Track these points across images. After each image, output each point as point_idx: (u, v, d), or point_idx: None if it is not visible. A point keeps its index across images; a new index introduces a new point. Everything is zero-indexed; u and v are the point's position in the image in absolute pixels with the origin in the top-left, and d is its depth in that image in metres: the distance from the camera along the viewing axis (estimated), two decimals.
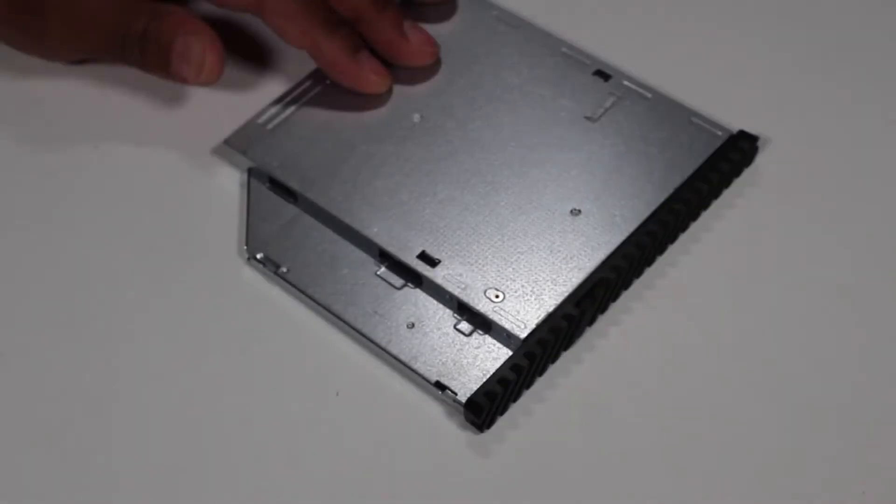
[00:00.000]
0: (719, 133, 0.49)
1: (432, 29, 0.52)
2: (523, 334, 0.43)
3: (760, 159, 0.50)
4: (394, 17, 0.51)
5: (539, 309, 0.44)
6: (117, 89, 0.53)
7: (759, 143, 0.49)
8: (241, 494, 0.42)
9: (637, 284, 0.46)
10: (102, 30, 0.50)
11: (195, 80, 0.49)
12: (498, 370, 0.43)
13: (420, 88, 0.51)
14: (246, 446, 0.43)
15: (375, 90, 0.50)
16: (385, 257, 0.46)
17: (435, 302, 0.45)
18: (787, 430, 0.43)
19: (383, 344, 0.44)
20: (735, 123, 0.49)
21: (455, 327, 0.45)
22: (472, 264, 0.45)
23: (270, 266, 0.47)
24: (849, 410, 0.43)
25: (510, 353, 0.44)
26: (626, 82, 0.51)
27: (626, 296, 0.46)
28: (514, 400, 0.44)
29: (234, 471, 0.43)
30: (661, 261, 0.47)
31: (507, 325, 0.44)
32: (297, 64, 0.52)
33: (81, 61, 0.53)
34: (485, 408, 0.42)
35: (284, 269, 0.47)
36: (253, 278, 0.47)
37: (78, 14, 0.49)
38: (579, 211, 0.47)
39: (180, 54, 0.49)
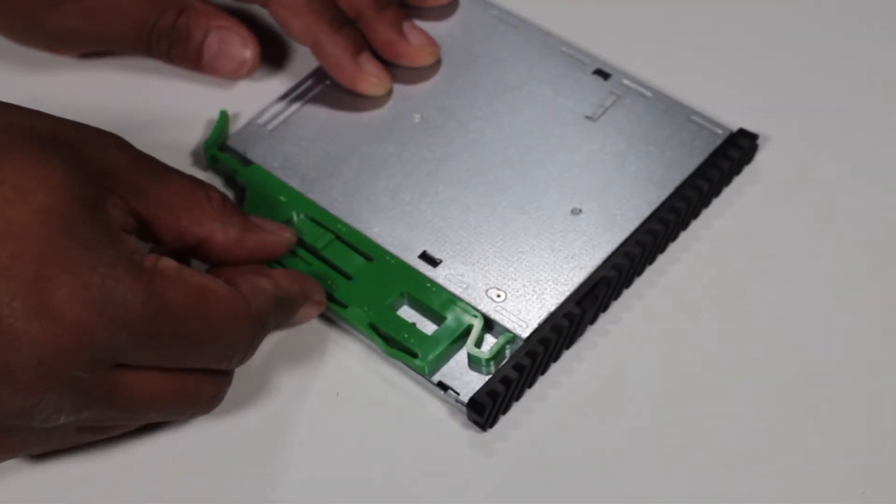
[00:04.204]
0: (719, 131, 0.49)
1: (432, 29, 0.52)
2: (525, 333, 0.44)
3: (760, 157, 0.50)
4: (393, 16, 0.51)
5: (541, 308, 0.44)
6: (116, 90, 0.53)
7: (759, 141, 0.49)
8: (243, 495, 0.42)
9: (638, 282, 0.46)
10: (127, 23, 0.51)
11: (233, 76, 0.52)
12: (500, 369, 0.43)
13: (420, 89, 0.51)
14: (250, 448, 0.43)
15: (373, 92, 0.50)
16: None
17: None
18: (787, 430, 0.43)
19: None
20: (735, 122, 0.49)
21: None
22: (473, 264, 0.46)
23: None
24: (849, 410, 0.43)
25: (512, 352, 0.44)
26: (625, 81, 0.51)
27: (627, 294, 0.46)
28: (517, 399, 0.44)
29: (238, 472, 0.43)
30: (662, 259, 0.47)
31: (509, 325, 0.44)
32: (297, 65, 0.53)
33: (88, 54, 0.53)
34: (487, 407, 0.42)
35: None
36: None
37: (100, 6, 0.50)
38: (580, 210, 0.47)
39: (216, 50, 0.51)
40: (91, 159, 0.39)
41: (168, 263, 0.38)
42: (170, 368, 0.39)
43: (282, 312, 0.43)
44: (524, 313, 0.44)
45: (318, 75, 0.51)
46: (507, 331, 0.44)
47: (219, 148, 0.49)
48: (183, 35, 0.51)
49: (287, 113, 0.50)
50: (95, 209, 0.38)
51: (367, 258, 0.46)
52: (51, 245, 0.36)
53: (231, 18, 0.51)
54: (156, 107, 0.52)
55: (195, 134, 0.51)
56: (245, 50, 0.51)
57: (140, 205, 0.41)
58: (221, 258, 0.43)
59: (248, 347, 0.41)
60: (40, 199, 0.36)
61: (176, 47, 0.51)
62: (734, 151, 0.48)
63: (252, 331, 0.40)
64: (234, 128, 0.50)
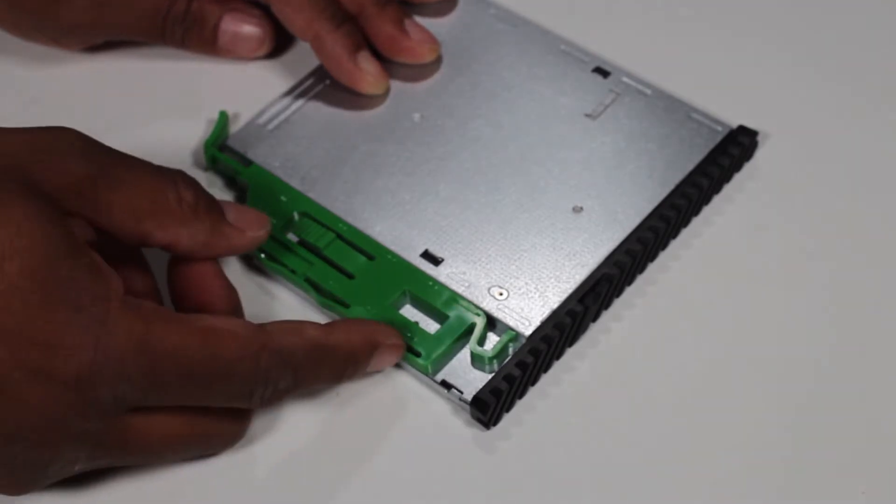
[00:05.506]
0: (719, 129, 0.49)
1: (431, 27, 0.52)
2: (528, 331, 0.44)
3: (760, 154, 0.50)
4: (395, 12, 0.51)
5: (543, 306, 0.44)
6: (115, 89, 0.53)
7: (759, 138, 0.49)
8: (244, 493, 0.42)
9: (640, 280, 0.46)
10: (140, 12, 0.51)
11: (250, 56, 0.52)
12: (503, 367, 0.43)
13: (420, 87, 0.51)
14: (251, 448, 0.43)
15: (370, 90, 0.50)
16: None
17: None
18: (788, 428, 0.43)
19: None
20: (735, 119, 0.49)
21: None
22: (475, 262, 0.46)
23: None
24: (849, 408, 0.43)
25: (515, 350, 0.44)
26: (625, 79, 0.51)
27: (628, 291, 0.46)
28: (520, 396, 0.44)
29: (237, 471, 0.43)
30: (663, 256, 0.47)
31: (511, 323, 0.44)
32: (297, 64, 0.52)
33: (91, 48, 0.53)
34: (491, 405, 0.42)
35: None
36: (254, 278, 0.47)
37: None
38: (581, 208, 0.47)
39: (231, 33, 0.51)
40: (46, 180, 0.38)
41: (167, 310, 0.38)
42: (188, 409, 0.39)
43: (338, 363, 0.41)
44: (527, 311, 0.44)
45: (318, 74, 0.51)
46: (510, 329, 0.44)
47: (219, 148, 0.49)
48: (197, 20, 0.51)
49: (287, 112, 0.50)
50: (72, 258, 0.37)
51: (369, 257, 0.46)
52: (39, 311, 0.36)
53: (243, 2, 0.52)
54: (156, 107, 0.52)
55: (195, 134, 0.51)
56: (260, 29, 0.51)
57: (102, 219, 0.39)
58: (185, 257, 0.42)
59: (265, 385, 0.39)
60: (16, 266, 0.36)
61: (190, 33, 0.51)
62: (734, 148, 0.48)
63: (267, 365, 0.39)
64: (234, 128, 0.50)
